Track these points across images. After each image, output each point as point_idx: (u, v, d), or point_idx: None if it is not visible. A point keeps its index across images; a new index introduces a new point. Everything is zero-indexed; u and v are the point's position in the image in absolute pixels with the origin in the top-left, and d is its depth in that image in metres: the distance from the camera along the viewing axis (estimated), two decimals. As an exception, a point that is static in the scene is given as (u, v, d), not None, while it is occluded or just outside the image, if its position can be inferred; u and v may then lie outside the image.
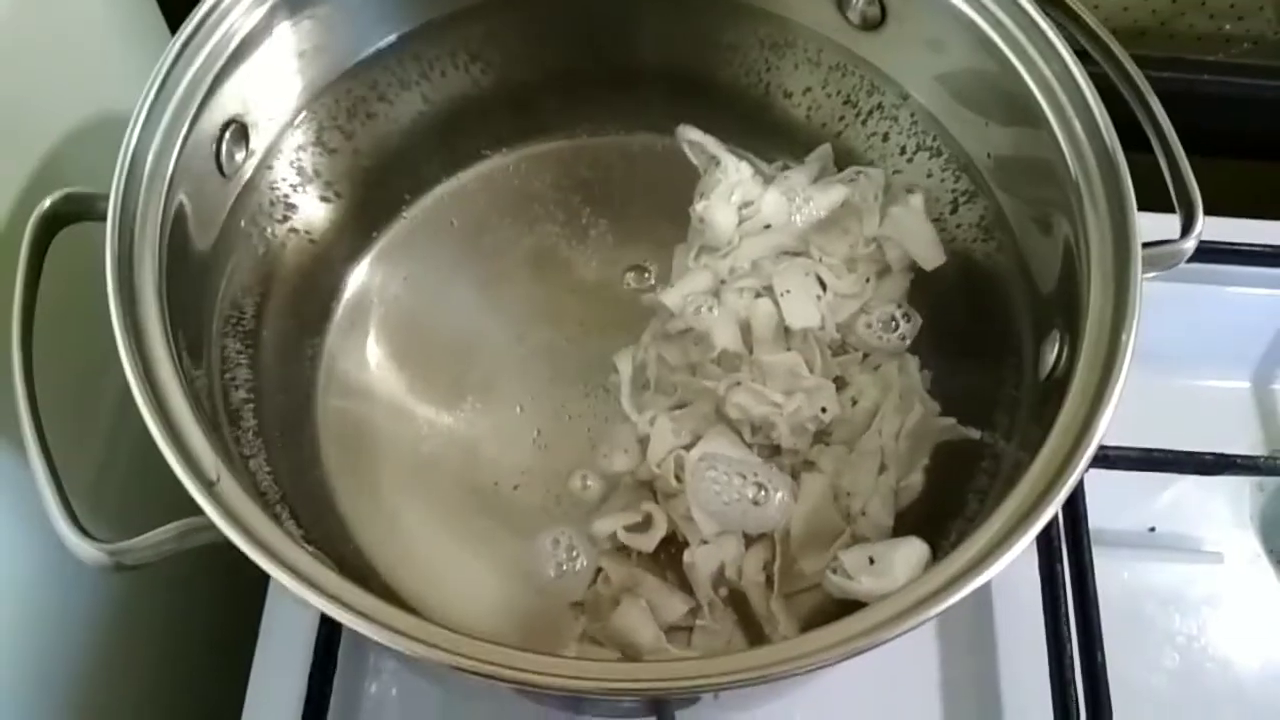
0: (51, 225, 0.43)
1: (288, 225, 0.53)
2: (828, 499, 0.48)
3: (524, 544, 0.52)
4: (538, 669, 0.33)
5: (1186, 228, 0.44)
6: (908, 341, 0.53)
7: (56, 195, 0.43)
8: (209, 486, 0.36)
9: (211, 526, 0.37)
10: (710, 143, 0.55)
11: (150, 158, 0.41)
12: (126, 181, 0.40)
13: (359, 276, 0.57)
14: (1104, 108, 0.44)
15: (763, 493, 0.48)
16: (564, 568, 0.49)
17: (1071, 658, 0.51)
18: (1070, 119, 0.45)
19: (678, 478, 0.50)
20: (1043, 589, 0.52)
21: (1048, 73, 0.46)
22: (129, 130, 0.41)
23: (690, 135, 0.57)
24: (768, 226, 0.53)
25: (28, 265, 0.42)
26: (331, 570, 0.36)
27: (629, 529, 0.50)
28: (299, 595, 0.35)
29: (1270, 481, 0.61)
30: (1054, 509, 0.36)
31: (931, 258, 0.53)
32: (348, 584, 0.35)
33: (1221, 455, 0.55)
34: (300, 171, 0.53)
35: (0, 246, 0.45)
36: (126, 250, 0.40)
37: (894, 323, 0.52)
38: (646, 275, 0.57)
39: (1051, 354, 0.43)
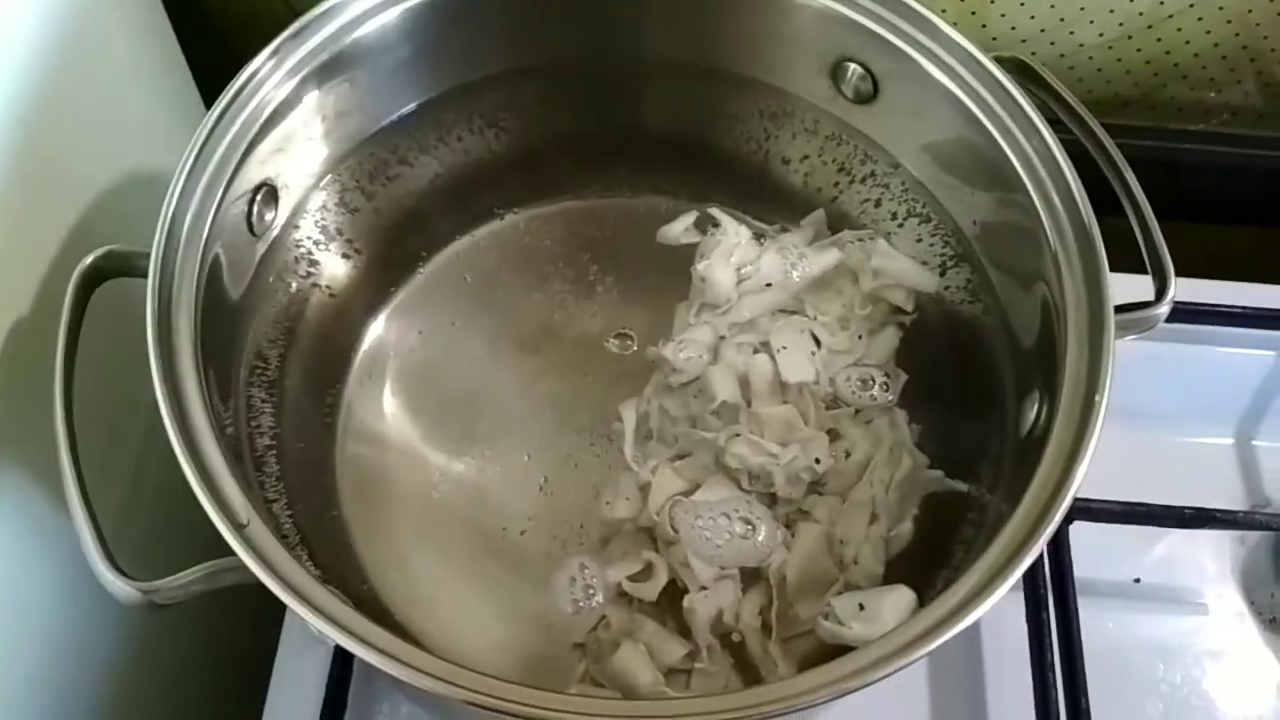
0: (92, 281, 0.45)
1: (310, 280, 0.55)
2: (822, 547, 0.50)
3: (530, 587, 0.54)
4: (554, 706, 0.35)
5: (1160, 294, 0.46)
6: (892, 398, 0.55)
7: (99, 252, 0.45)
8: (240, 529, 0.38)
9: (239, 567, 0.39)
10: (713, 210, 0.58)
11: (188, 219, 0.44)
12: (166, 242, 0.43)
13: (377, 330, 0.60)
14: (1080, 181, 0.47)
15: (749, 527, 0.50)
16: (580, 605, 0.51)
17: (1057, 704, 0.52)
18: (1049, 190, 0.47)
19: (674, 527, 0.52)
20: (1029, 637, 0.54)
21: (1027, 146, 0.48)
22: (169, 193, 0.44)
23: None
24: (766, 286, 0.56)
25: (70, 320, 0.44)
26: (354, 611, 0.38)
27: (631, 578, 0.52)
28: (326, 633, 0.37)
29: (1250, 536, 0.63)
30: (1031, 558, 0.38)
31: (926, 283, 0.55)
32: (372, 625, 0.38)
33: (1202, 509, 0.57)
34: (324, 230, 0.55)
35: (40, 297, 0.47)
36: (165, 308, 0.42)
37: (870, 382, 0.54)
38: (629, 342, 0.59)
39: (1032, 412, 0.46)
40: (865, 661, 0.37)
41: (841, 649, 0.45)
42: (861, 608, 0.45)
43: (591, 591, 0.52)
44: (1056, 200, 0.47)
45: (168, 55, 0.60)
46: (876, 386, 0.54)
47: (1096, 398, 0.42)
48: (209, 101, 0.63)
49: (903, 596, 0.45)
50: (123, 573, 0.40)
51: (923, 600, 0.46)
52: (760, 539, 0.50)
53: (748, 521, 0.50)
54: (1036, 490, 0.41)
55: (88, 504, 0.40)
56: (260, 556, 0.38)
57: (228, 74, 0.47)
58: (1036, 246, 0.47)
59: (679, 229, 0.59)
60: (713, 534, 0.50)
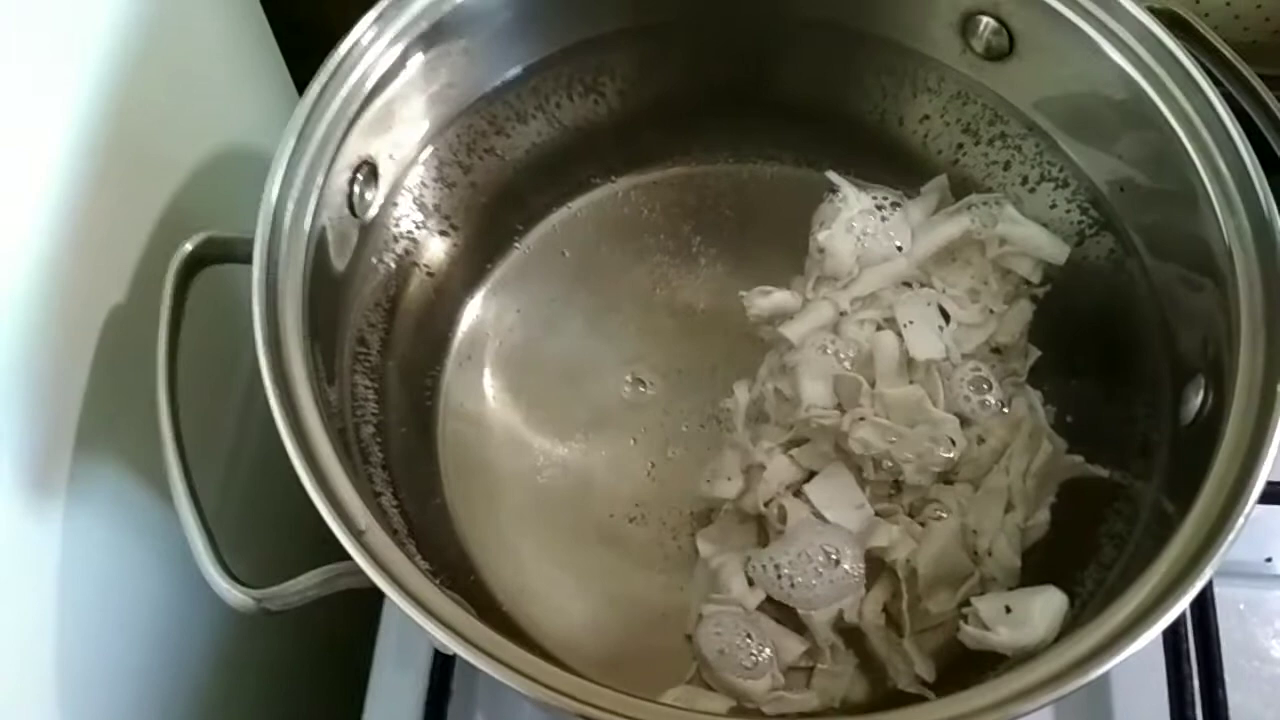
0: (192, 268, 0.44)
1: (409, 260, 0.53)
2: (956, 539, 0.47)
3: (641, 575, 0.52)
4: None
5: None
6: (1005, 409, 0.51)
7: (198, 238, 0.44)
8: (359, 536, 0.36)
9: (355, 572, 0.37)
10: (831, 175, 0.55)
11: (290, 203, 0.42)
12: (271, 229, 0.41)
13: (474, 309, 0.57)
14: (1248, 143, 0.43)
15: (831, 557, 0.47)
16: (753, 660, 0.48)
17: (1193, 694, 0.50)
18: (1213, 154, 0.43)
19: (782, 520, 0.50)
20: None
21: (1187, 105, 0.44)
22: (270, 176, 0.42)
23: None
24: (889, 257, 0.53)
25: (171, 310, 0.43)
26: (473, 616, 0.36)
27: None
28: (444, 641, 0.35)
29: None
30: (1216, 564, 0.35)
31: (1056, 253, 0.52)
32: (490, 631, 0.36)
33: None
34: (421, 207, 0.53)
35: (135, 285, 0.46)
36: (271, 298, 0.40)
37: (986, 384, 0.50)
38: (643, 388, 0.56)
39: (1196, 399, 0.42)
40: (1038, 678, 0.34)
41: (983, 651, 0.43)
42: (1008, 610, 0.42)
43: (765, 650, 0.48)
44: (1223, 167, 0.43)
45: (254, 31, 0.58)
46: (993, 391, 0.50)
47: (1279, 386, 0.38)
48: (296, 78, 0.61)
49: (1053, 599, 0.42)
50: (235, 579, 0.38)
51: (1072, 601, 0.43)
52: (846, 566, 0.47)
53: (827, 552, 0.47)
54: (1213, 487, 0.38)
55: (198, 507, 0.39)
56: (379, 563, 0.36)
57: (315, 47, 0.45)
58: (1197, 216, 0.43)
59: (771, 304, 0.54)
60: (803, 578, 0.47)
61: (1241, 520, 0.36)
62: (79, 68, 0.42)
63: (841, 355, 0.51)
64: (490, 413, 0.55)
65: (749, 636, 0.47)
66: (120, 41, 0.44)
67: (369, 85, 0.45)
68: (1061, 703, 0.51)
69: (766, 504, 0.50)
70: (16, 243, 0.39)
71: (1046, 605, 0.42)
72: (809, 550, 0.47)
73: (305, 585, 0.38)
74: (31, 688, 0.43)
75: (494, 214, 0.57)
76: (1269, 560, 0.59)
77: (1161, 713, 0.49)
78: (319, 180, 0.43)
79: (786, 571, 0.47)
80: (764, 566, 0.48)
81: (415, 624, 0.51)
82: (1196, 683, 0.49)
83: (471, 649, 0.35)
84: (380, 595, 0.53)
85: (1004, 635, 0.41)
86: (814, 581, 0.47)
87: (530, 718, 0.52)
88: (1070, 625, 0.42)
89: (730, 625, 0.47)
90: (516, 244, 0.59)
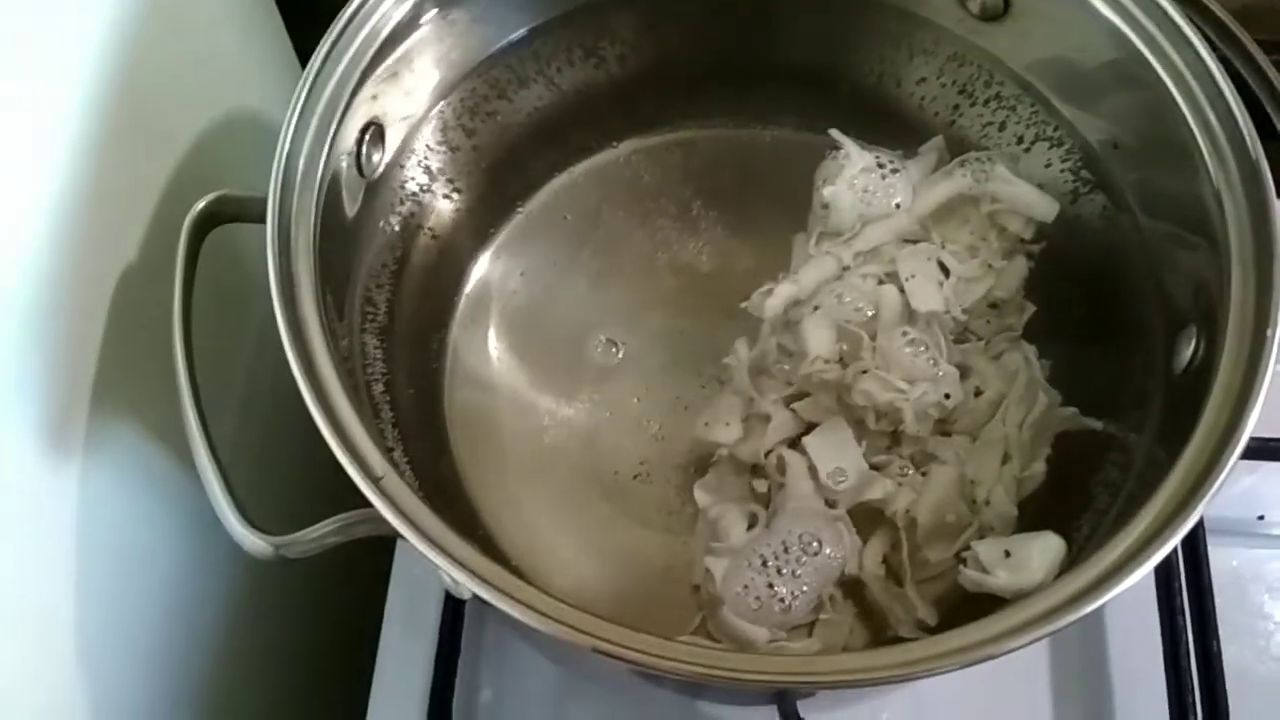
0: (205, 226, 0.44)
1: (415, 222, 0.54)
2: (955, 489, 0.49)
3: (646, 531, 0.53)
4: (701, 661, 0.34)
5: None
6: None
7: (210, 197, 0.44)
8: (377, 482, 0.37)
9: (372, 519, 0.38)
10: (834, 133, 0.55)
11: (301, 161, 0.43)
12: (281, 187, 0.41)
13: (479, 271, 0.58)
14: (1239, 98, 0.44)
15: (814, 543, 0.48)
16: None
17: (1187, 647, 0.51)
18: (1205, 110, 0.44)
19: (781, 470, 0.50)
20: (1156, 578, 0.52)
21: (1179, 62, 0.45)
22: (283, 132, 0.42)
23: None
24: (890, 211, 0.53)
25: (184, 266, 0.43)
26: (491, 562, 0.37)
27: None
28: (464, 584, 0.36)
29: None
30: (1206, 503, 0.36)
31: (1045, 210, 0.53)
32: (505, 572, 0.37)
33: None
34: (426, 170, 0.54)
35: (145, 245, 0.46)
36: (284, 255, 0.41)
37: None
38: (646, 348, 0.57)
39: (1188, 349, 0.43)
40: (1032, 614, 0.35)
41: (972, 594, 0.44)
42: (1007, 554, 0.43)
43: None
44: (1214, 120, 0.44)
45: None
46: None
47: (1269, 332, 0.39)
48: (298, 47, 0.61)
49: (1050, 543, 0.43)
50: (255, 526, 0.39)
51: (1069, 545, 0.44)
52: (827, 550, 0.48)
53: (805, 541, 0.48)
54: (1204, 433, 0.39)
55: (216, 458, 0.40)
56: (398, 508, 0.37)
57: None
58: (1191, 171, 0.44)
59: (779, 300, 0.53)
60: (788, 568, 0.48)
61: (1232, 462, 0.37)
62: (89, 35, 0.43)
63: (847, 305, 0.52)
64: (496, 373, 0.56)
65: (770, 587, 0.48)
66: (129, 9, 0.45)
67: (380, 38, 0.45)
68: (1059, 660, 0.53)
69: (766, 455, 0.51)
70: (32, 207, 0.40)
71: (1045, 549, 0.43)
72: (787, 540, 0.48)
73: (322, 532, 0.39)
74: (50, 640, 0.44)
75: (497, 178, 0.57)
76: (1261, 518, 0.60)
77: (1157, 667, 0.50)
78: (328, 137, 0.43)
79: (773, 563, 0.48)
80: (749, 561, 0.49)
81: (424, 578, 0.53)
82: (1190, 637, 0.50)
83: (489, 588, 0.36)
84: (390, 549, 0.54)
85: (1003, 578, 0.42)
86: (799, 571, 0.48)
87: (537, 670, 0.53)
88: (1065, 569, 0.43)
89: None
90: (519, 208, 0.59)
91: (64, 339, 0.42)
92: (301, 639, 0.66)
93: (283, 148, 0.42)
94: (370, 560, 0.55)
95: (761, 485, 0.52)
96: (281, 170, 0.42)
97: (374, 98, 0.47)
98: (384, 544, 0.48)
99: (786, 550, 0.47)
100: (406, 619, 0.54)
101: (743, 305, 0.54)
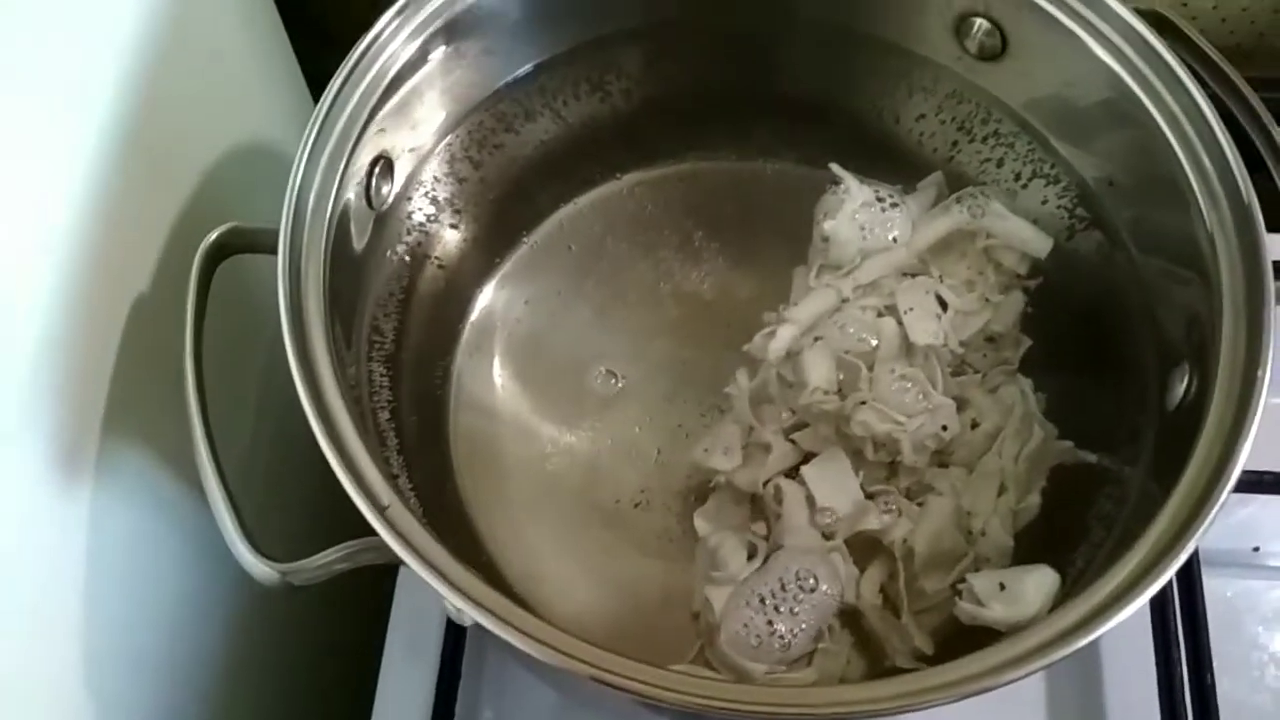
0: (216, 257, 0.45)
1: (421, 251, 0.55)
2: (951, 520, 0.49)
3: (647, 559, 0.54)
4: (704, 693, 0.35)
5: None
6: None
7: (223, 228, 0.45)
8: (382, 511, 0.38)
9: (378, 547, 0.39)
10: (834, 168, 0.56)
11: (313, 195, 0.44)
12: (293, 221, 0.42)
13: (484, 300, 0.59)
14: (1230, 137, 0.45)
15: (811, 579, 0.48)
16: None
17: (1181, 679, 0.51)
18: (1198, 151, 0.45)
19: (779, 500, 0.51)
20: (1151, 610, 0.53)
21: (1173, 104, 0.46)
22: (294, 170, 0.43)
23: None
24: (888, 249, 0.54)
25: (196, 296, 0.44)
26: (495, 591, 0.38)
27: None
28: (466, 612, 0.37)
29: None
30: (1199, 537, 0.37)
31: (1039, 246, 0.53)
32: (509, 602, 0.38)
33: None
34: (434, 201, 0.55)
35: (157, 275, 0.47)
36: (295, 288, 0.42)
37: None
38: (648, 377, 0.57)
39: (1180, 385, 0.44)
40: (1030, 646, 0.36)
41: (978, 628, 0.45)
42: (1002, 587, 0.43)
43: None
44: (1206, 161, 0.45)
45: (268, 30, 0.60)
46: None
47: (1259, 372, 0.40)
48: (310, 66, 0.62)
49: (1045, 577, 0.43)
50: (262, 554, 0.40)
51: (1063, 579, 0.44)
52: (824, 587, 0.48)
53: (802, 578, 0.48)
54: (1196, 468, 0.39)
55: (226, 487, 0.41)
56: (403, 538, 0.38)
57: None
58: (1184, 210, 0.45)
59: (782, 341, 0.54)
60: (785, 606, 0.48)
61: (1224, 497, 0.38)
62: (104, 67, 0.44)
63: (851, 335, 0.52)
64: (499, 401, 0.57)
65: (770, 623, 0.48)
66: (141, 41, 0.46)
67: (390, 75, 0.46)
68: (1054, 694, 0.54)
69: (765, 484, 0.52)
70: (46, 237, 0.40)
71: (1040, 582, 0.43)
72: (784, 577, 0.49)
73: (328, 560, 0.40)
74: (58, 663, 0.44)
75: (503, 208, 0.58)
76: (1256, 550, 0.60)
77: (1151, 699, 0.51)
78: (339, 171, 0.44)
79: (770, 601, 0.48)
80: (747, 600, 0.49)
81: (426, 603, 0.54)
82: (1185, 669, 0.51)
83: (491, 617, 0.36)
84: (393, 574, 0.55)
85: (998, 611, 0.43)
86: (796, 609, 0.48)
87: (537, 697, 0.54)
88: (1060, 602, 0.43)
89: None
90: (524, 238, 0.60)
91: (76, 367, 0.42)
92: (304, 661, 0.66)
93: (294, 182, 0.43)
94: (373, 584, 0.55)
95: (761, 528, 0.52)
96: (293, 204, 0.43)
97: (383, 131, 0.48)
98: (387, 568, 0.49)
99: (784, 588, 0.48)
100: (408, 644, 0.54)
101: (745, 349, 0.54)
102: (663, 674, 0.37)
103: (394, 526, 0.38)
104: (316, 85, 0.63)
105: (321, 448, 0.38)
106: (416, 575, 0.37)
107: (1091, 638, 0.36)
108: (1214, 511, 0.37)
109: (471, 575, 0.38)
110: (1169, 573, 0.36)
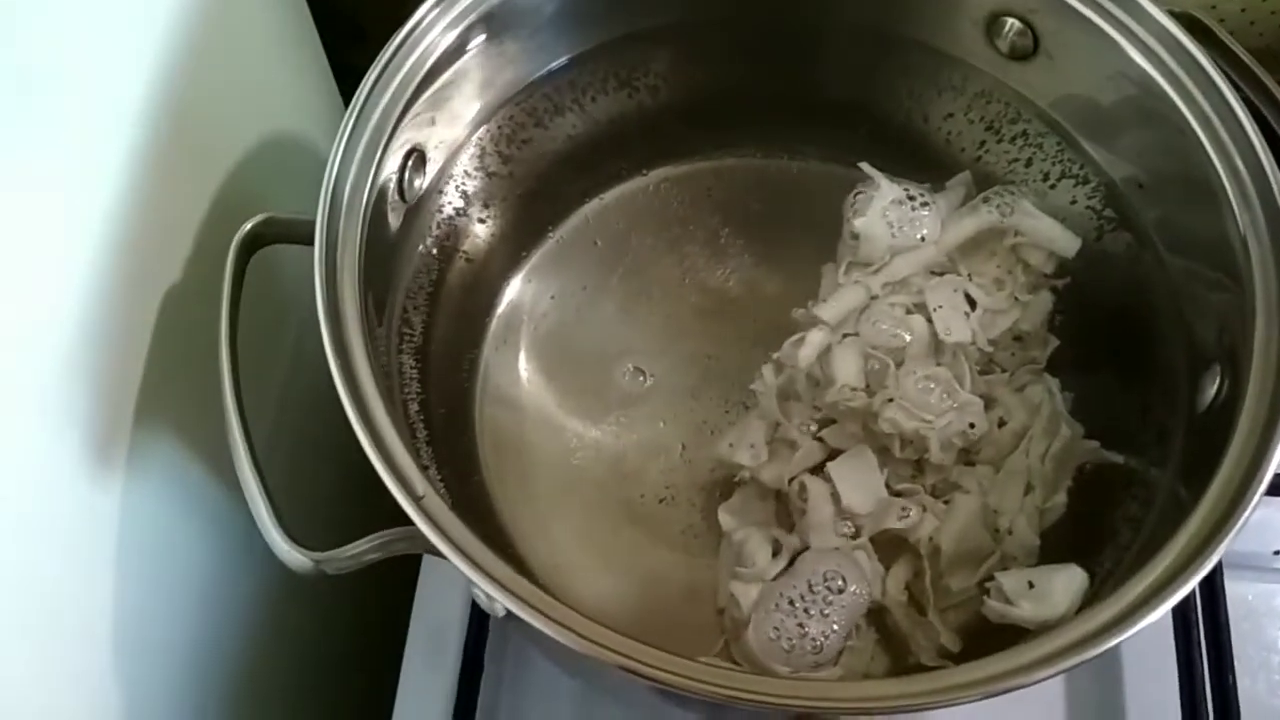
0: (251, 247, 0.45)
1: (450, 245, 0.55)
2: (978, 518, 0.49)
3: (672, 554, 0.54)
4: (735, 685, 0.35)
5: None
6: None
7: (258, 218, 0.45)
8: (418, 500, 0.38)
9: (410, 537, 0.39)
10: (864, 166, 0.56)
11: (348, 187, 0.44)
12: (329, 212, 0.43)
13: (510, 294, 0.59)
14: (1264, 140, 0.45)
15: (839, 580, 0.48)
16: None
17: (1203, 682, 0.51)
18: (1231, 153, 0.45)
19: (803, 498, 0.51)
20: (1173, 612, 0.52)
21: (1206, 106, 0.46)
22: (330, 161, 0.43)
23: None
24: (918, 243, 0.54)
25: (231, 287, 0.44)
26: (528, 581, 0.38)
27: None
28: (500, 601, 0.37)
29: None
30: (1230, 539, 0.37)
31: (1066, 246, 0.53)
32: (540, 591, 0.38)
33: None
34: (464, 195, 0.55)
35: (190, 265, 0.47)
36: (331, 279, 0.42)
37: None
38: (673, 373, 0.58)
39: (1211, 388, 0.44)
40: (1058, 646, 0.36)
41: (1003, 626, 0.45)
42: (1031, 586, 0.43)
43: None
44: (1240, 164, 0.45)
45: (298, 23, 0.60)
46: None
47: (1293, 374, 0.40)
48: (343, 59, 0.63)
49: (1074, 576, 0.43)
50: (296, 542, 0.40)
51: (1090, 579, 0.44)
52: (853, 587, 0.49)
53: (830, 579, 0.48)
54: (1227, 472, 0.39)
55: (261, 476, 0.41)
56: (438, 527, 0.38)
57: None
58: (1216, 212, 0.45)
59: (812, 348, 0.53)
60: (815, 608, 0.48)
61: (1254, 503, 0.38)
62: (140, 61, 0.44)
63: (884, 331, 0.52)
64: (526, 395, 0.57)
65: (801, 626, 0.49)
66: (175, 36, 0.46)
67: (428, 65, 0.47)
68: (1073, 693, 0.54)
69: (790, 481, 0.52)
70: (81, 228, 0.41)
71: (1068, 582, 0.43)
72: (812, 580, 0.49)
73: (362, 549, 0.40)
74: (87, 652, 0.45)
75: (530, 203, 0.59)
76: (1277, 553, 0.61)
77: (1173, 701, 0.51)
78: (374, 163, 0.45)
79: (800, 604, 0.48)
80: (777, 604, 0.49)
81: (449, 593, 0.54)
82: (1207, 671, 0.51)
83: (526, 606, 0.37)
84: (417, 563, 0.55)
85: (1026, 609, 0.43)
86: (827, 610, 0.48)
87: (560, 685, 0.54)
88: (1088, 602, 0.44)
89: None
90: (551, 232, 0.61)
91: (110, 357, 0.43)
92: (328, 649, 0.67)
93: (330, 173, 0.43)
94: (398, 572, 0.55)
95: (784, 531, 0.52)
96: (329, 196, 0.43)
97: (417, 124, 0.48)
98: (412, 558, 0.49)
99: (812, 590, 0.48)
100: (431, 635, 0.54)
101: (775, 356, 0.54)
102: (691, 665, 0.37)
103: (429, 515, 0.38)
104: (343, 78, 0.64)
105: (358, 437, 0.38)
106: (440, 567, 0.38)
107: (1123, 638, 0.36)
108: (1244, 517, 0.38)
109: (506, 565, 0.39)
110: (1198, 577, 0.36)
